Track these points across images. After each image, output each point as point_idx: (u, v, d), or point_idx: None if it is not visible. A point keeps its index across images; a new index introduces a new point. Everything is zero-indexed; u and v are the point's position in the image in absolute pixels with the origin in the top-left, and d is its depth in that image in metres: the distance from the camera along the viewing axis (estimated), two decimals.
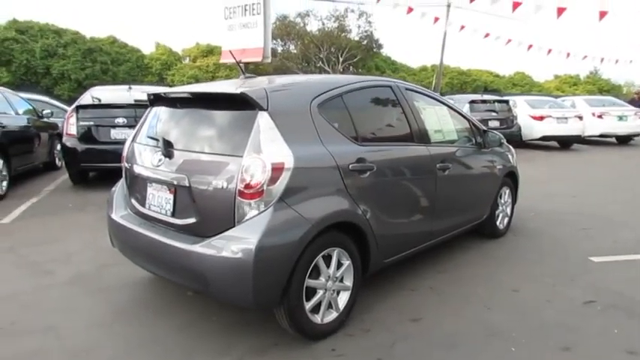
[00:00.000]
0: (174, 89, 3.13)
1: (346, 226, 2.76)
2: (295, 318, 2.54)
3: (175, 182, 2.66)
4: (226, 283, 2.40)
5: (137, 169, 2.98)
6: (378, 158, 3.00)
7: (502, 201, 4.68)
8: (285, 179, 2.44)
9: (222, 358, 2.51)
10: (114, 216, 3.09)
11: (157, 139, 2.87)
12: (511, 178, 4.79)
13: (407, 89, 3.58)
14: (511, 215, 4.90)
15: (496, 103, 12.02)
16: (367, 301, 3.18)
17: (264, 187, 2.39)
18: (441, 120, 3.85)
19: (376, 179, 2.95)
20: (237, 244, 2.36)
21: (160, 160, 2.79)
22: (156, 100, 3.15)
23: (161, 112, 3.08)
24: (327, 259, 2.70)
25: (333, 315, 2.77)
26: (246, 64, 9.47)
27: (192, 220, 2.60)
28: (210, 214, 2.53)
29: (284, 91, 2.77)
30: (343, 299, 2.83)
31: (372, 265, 3.01)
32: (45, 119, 8.28)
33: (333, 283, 2.73)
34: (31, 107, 8.13)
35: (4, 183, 6.34)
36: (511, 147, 4.95)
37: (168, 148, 2.75)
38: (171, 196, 2.72)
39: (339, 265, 2.78)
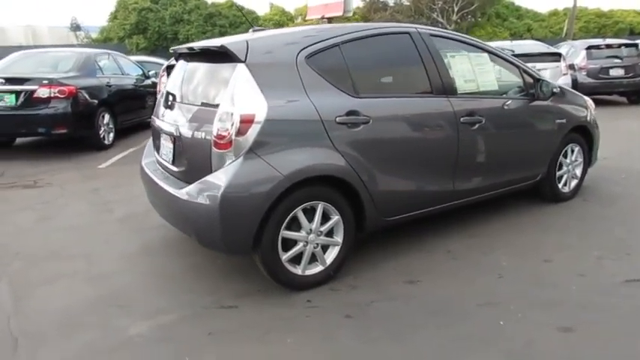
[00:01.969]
0: (180, 46, 3.28)
1: (333, 180, 2.70)
2: (270, 266, 2.61)
3: (173, 132, 2.85)
4: (201, 228, 2.55)
5: (155, 121, 3.25)
6: (376, 111, 2.82)
7: (567, 160, 4.10)
8: (255, 131, 2.45)
9: (206, 297, 2.70)
10: (142, 163, 3.43)
11: (167, 93, 3.07)
12: (583, 135, 4.15)
13: (432, 35, 3.25)
14: (582, 177, 4.28)
15: (623, 48, 10.15)
16: (371, 259, 3.11)
17: (233, 138, 2.45)
18: (476, 69, 3.43)
19: (373, 133, 2.80)
20: (207, 191, 2.47)
21: (164, 112, 2.99)
22: (176, 56, 3.36)
23: (176, 67, 3.28)
24: (312, 213, 2.69)
25: (318, 268, 2.78)
26: (330, 19, 9.34)
27: (183, 168, 2.79)
28: (195, 162, 2.68)
29: (268, 43, 2.74)
30: (332, 254, 2.81)
31: (368, 223, 2.92)
32: (152, 79, 9.21)
33: (317, 237, 2.71)
34: (139, 68, 9.11)
35: (111, 135, 7.30)
36: (586, 98, 4.25)
37: (169, 101, 2.93)
38: (171, 145, 2.92)
39: (328, 219, 2.75)
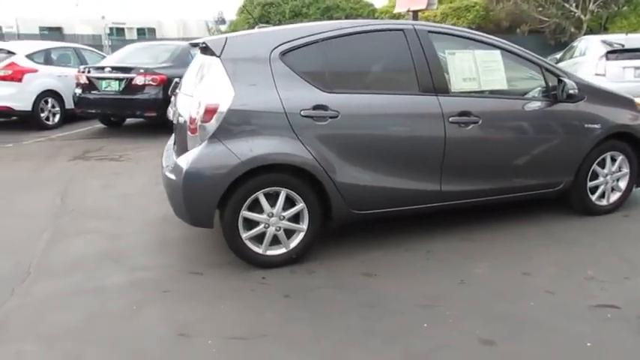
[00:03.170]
0: (196, 41, 3.66)
1: (296, 169, 2.88)
2: (231, 242, 2.90)
3: (173, 118, 3.29)
4: (173, 200, 2.96)
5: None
6: (346, 106, 2.92)
7: (605, 170, 3.67)
8: (219, 118, 2.75)
9: (184, 263, 3.10)
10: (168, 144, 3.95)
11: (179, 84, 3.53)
12: (629, 142, 3.68)
13: (430, 32, 3.20)
14: (628, 190, 3.80)
15: None
16: (346, 250, 3.22)
17: (199, 124, 2.78)
18: (482, 67, 3.26)
19: (341, 127, 2.91)
20: (177, 169, 2.86)
21: (174, 101, 3.45)
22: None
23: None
24: (275, 198, 2.91)
25: (280, 250, 2.99)
26: (416, 12, 9.15)
27: (177, 149, 3.20)
28: (180, 144, 3.07)
29: (245, 40, 3.01)
30: (297, 239, 3.00)
31: (335, 214, 3.04)
32: None
33: (279, 221, 2.92)
34: None
35: None
36: (633, 99, 3.74)
37: (174, 90, 3.37)
38: (175, 130, 3.36)
39: (292, 205, 2.94)
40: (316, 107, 2.87)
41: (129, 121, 8.65)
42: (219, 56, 2.83)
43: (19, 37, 25.27)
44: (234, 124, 2.78)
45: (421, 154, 3.13)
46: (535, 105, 3.39)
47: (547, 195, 3.63)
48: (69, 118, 8.21)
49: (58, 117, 8.07)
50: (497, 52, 3.35)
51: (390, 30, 3.18)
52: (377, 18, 25.95)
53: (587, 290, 2.67)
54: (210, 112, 2.76)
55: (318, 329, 2.37)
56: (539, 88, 3.46)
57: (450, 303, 2.57)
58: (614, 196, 3.80)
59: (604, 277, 2.81)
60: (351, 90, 3.01)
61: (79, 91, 7.42)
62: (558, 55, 11.22)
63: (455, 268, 2.98)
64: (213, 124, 2.76)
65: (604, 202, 3.77)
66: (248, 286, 2.81)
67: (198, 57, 3.31)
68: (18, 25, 33.73)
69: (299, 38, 2.96)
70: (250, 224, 2.92)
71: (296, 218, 2.98)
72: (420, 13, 24.43)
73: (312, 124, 2.87)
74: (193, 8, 54.69)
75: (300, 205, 2.95)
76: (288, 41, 2.93)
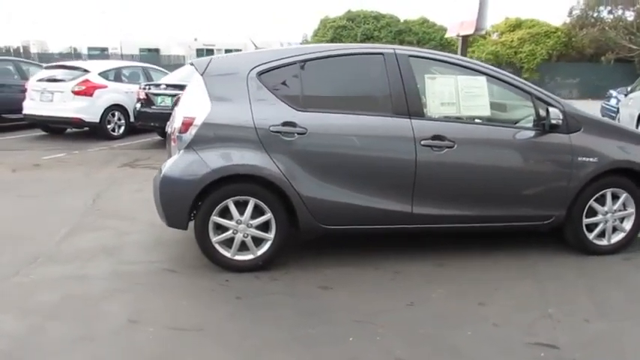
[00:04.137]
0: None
1: (264, 181, 3.08)
2: (201, 244, 3.15)
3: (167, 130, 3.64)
4: (155, 204, 3.27)
5: None
6: (315, 124, 3.09)
7: (604, 208, 3.45)
8: (193, 130, 3.04)
9: (165, 261, 3.39)
10: None
11: None
12: (634, 179, 3.44)
13: (411, 56, 3.28)
14: (633, 231, 3.53)
15: None
16: (318, 262, 3.36)
17: (176, 134, 3.09)
18: (463, 92, 3.27)
19: (308, 144, 3.08)
20: (158, 174, 3.18)
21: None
22: None
23: None
24: (246, 206, 3.12)
25: (248, 256, 3.19)
26: (465, 37, 9.02)
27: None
28: (168, 154, 3.40)
29: (227, 60, 3.30)
30: (264, 247, 3.18)
31: (303, 226, 3.18)
32: None
33: (247, 228, 3.13)
34: None
35: None
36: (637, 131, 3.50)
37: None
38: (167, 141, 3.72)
39: (261, 214, 3.13)
40: (285, 124, 3.07)
41: None
42: (201, 74, 3.15)
43: (122, 57, 28.19)
44: (207, 136, 3.06)
45: (391, 175, 3.19)
46: (520, 133, 3.33)
47: (536, 228, 3.49)
48: (133, 130, 9.11)
49: (122, 128, 8.99)
50: (483, 78, 3.34)
51: (370, 54, 3.32)
52: (449, 42, 25.73)
53: (534, 327, 2.57)
54: (186, 124, 3.07)
55: (251, 329, 2.53)
56: (530, 117, 3.38)
57: (386, 322, 2.60)
58: (617, 237, 3.55)
59: (563, 316, 2.67)
60: (323, 109, 3.17)
61: (138, 105, 8.24)
62: (630, 87, 10.46)
63: (413, 290, 2.99)
64: (188, 135, 3.06)
65: (604, 242, 3.53)
66: (211, 286, 3.03)
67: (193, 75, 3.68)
68: (121, 46, 37.86)
69: (278, 59, 3.20)
70: (221, 229, 3.15)
71: (265, 227, 3.17)
72: (485, 38, 23.67)
73: (280, 140, 3.07)
74: (281, 31, 57.73)
75: (268, 215, 3.13)
76: (267, 62, 3.18)
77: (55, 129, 9.41)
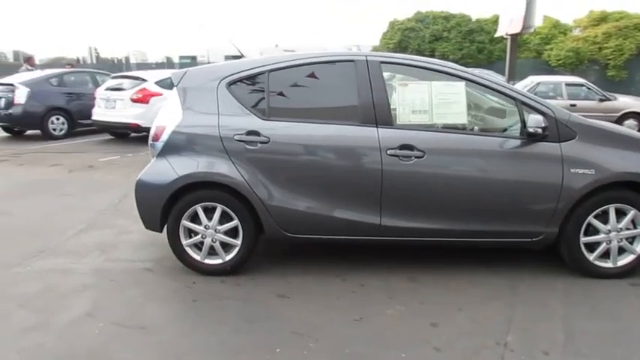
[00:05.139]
0: None
1: (230, 188, 3.15)
2: (173, 248, 3.29)
3: None
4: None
5: None
6: (277, 133, 3.10)
7: (607, 226, 3.08)
8: (164, 138, 3.19)
9: (147, 261, 3.58)
10: None
11: None
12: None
13: (383, 63, 3.18)
14: None
15: None
16: (287, 271, 3.36)
17: (150, 142, 3.26)
18: (438, 99, 3.09)
19: (271, 153, 3.10)
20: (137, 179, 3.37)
21: None
22: None
23: None
24: (213, 212, 3.22)
25: (217, 261, 3.28)
26: (514, 35, 8.42)
27: None
28: None
29: (201, 71, 3.38)
30: (232, 252, 3.26)
31: (269, 234, 3.21)
32: None
33: (215, 233, 3.22)
34: None
35: None
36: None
37: None
38: None
39: (230, 220, 3.21)
40: (249, 133, 3.12)
41: None
42: (176, 85, 3.30)
43: (209, 63, 30.12)
44: (177, 144, 3.20)
45: (356, 186, 3.11)
46: (502, 142, 3.07)
47: (524, 245, 3.21)
48: None
49: None
50: (461, 84, 3.14)
51: (341, 61, 3.25)
52: (524, 41, 24.13)
53: (478, 356, 2.37)
54: (158, 132, 3.24)
55: (189, 332, 2.62)
56: (515, 125, 3.12)
57: (323, 336, 2.55)
58: (625, 259, 3.16)
59: (519, 346, 2.45)
60: (288, 118, 3.17)
61: None
62: None
63: (370, 305, 2.89)
64: (160, 143, 3.22)
65: (608, 264, 3.16)
66: (176, 287, 3.17)
67: None
68: (209, 54, 40.38)
69: (247, 70, 3.25)
70: (192, 233, 3.28)
71: (234, 233, 3.24)
72: (565, 34, 21.69)
73: (244, 148, 3.12)
74: (363, 35, 57.66)
75: (235, 222, 3.20)
76: (236, 72, 3.25)
77: (120, 133, 10.26)
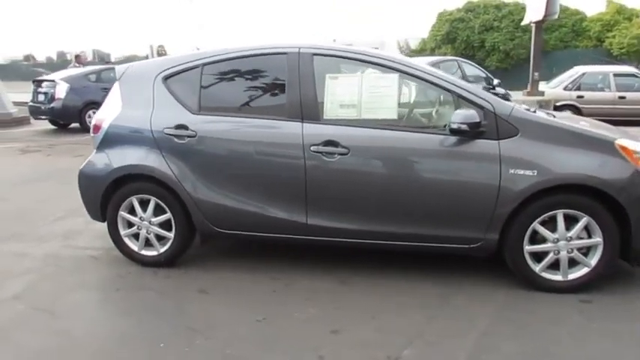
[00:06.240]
0: None
1: (160, 181, 3.17)
2: (112, 238, 3.37)
3: None
4: None
5: None
6: (203, 127, 3.08)
7: (555, 235, 2.79)
8: (102, 132, 3.27)
9: (104, 251, 3.69)
10: None
11: None
12: (602, 199, 2.72)
13: (315, 55, 3.05)
14: (599, 267, 2.81)
15: None
16: (218, 267, 3.34)
17: (91, 135, 3.35)
18: (368, 93, 2.91)
19: (197, 147, 3.09)
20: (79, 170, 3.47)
21: None
22: None
23: None
24: (147, 204, 3.26)
25: (152, 252, 3.32)
26: (539, 22, 7.80)
27: None
28: None
29: (141, 66, 3.42)
30: (166, 245, 3.29)
31: (198, 228, 3.21)
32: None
33: (150, 225, 3.26)
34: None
35: None
36: (612, 140, 2.74)
37: None
38: None
39: (164, 212, 3.24)
40: (178, 127, 3.12)
41: None
42: (118, 80, 3.36)
43: None
44: (114, 137, 3.27)
45: (280, 183, 3.02)
46: (433, 139, 2.85)
47: (461, 252, 2.96)
48: None
49: None
50: (395, 76, 2.94)
51: (274, 54, 3.16)
52: (584, 28, 22.39)
53: None
54: (97, 126, 3.32)
55: (94, 320, 2.72)
56: (436, 118, 2.91)
57: (214, 335, 2.52)
58: (578, 272, 2.85)
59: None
60: (216, 113, 3.13)
61: None
62: None
63: (283, 306, 2.82)
64: (99, 136, 3.31)
65: (558, 277, 2.86)
66: (110, 275, 3.27)
67: None
68: None
69: (183, 63, 3.25)
70: (129, 224, 3.34)
71: (169, 226, 3.27)
72: (630, 20, 19.66)
73: (172, 142, 3.12)
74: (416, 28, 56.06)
75: (168, 215, 3.23)
76: (173, 66, 3.25)
77: None
